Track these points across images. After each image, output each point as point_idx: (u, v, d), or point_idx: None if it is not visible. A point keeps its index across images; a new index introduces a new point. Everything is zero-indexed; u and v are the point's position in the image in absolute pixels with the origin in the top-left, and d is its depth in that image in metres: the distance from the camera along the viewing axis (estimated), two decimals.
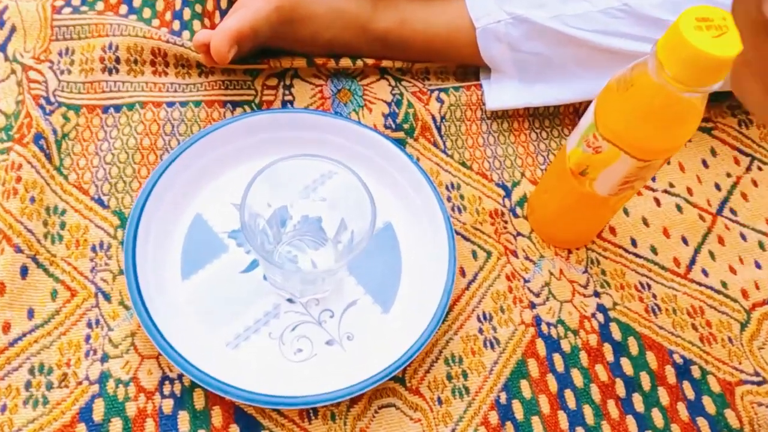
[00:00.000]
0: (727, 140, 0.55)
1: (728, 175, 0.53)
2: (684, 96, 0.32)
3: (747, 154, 0.55)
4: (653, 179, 0.52)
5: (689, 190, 0.52)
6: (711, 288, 0.47)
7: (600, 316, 0.45)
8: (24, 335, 0.38)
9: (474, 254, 0.46)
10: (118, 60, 0.48)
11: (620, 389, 0.42)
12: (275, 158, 0.40)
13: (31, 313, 0.39)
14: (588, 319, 0.45)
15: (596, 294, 0.46)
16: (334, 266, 0.41)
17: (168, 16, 0.53)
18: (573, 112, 0.55)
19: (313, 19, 0.48)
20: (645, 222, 0.50)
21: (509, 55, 0.50)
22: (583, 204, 0.42)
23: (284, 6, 0.46)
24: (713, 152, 0.55)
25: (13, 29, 0.48)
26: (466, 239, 0.47)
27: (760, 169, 0.54)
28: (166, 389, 0.38)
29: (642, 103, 0.33)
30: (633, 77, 0.33)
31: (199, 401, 0.38)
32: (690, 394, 0.43)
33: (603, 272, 0.47)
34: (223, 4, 0.54)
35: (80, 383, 0.37)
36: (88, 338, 0.39)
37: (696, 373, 0.43)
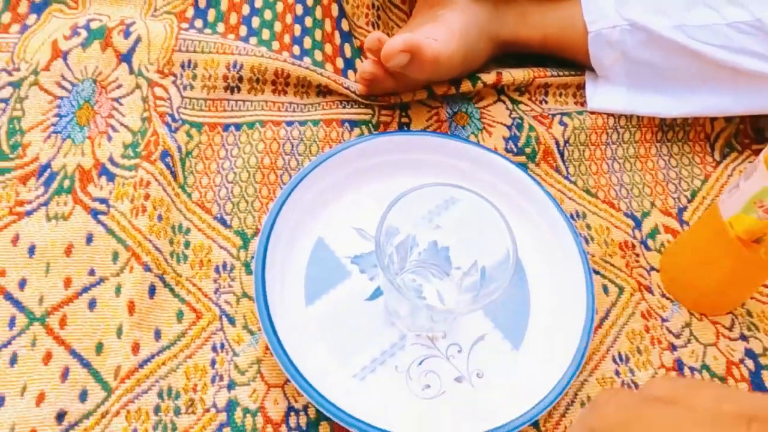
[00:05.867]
0: None
1: None
2: None
3: None
4: None
5: None
6: None
7: (749, 363, 0.41)
8: (152, 356, 0.37)
9: (605, 289, 0.43)
10: (240, 79, 0.48)
11: None
12: (392, 181, 0.38)
13: (158, 334, 0.38)
14: (736, 366, 0.41)
15: (743, 337, 0.42)
16: (469, 308, 0.37)
17: (287, 39, 0.52)
18: (704, 139, 0.52)
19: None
20: None
21: (621, 63, 0.48)
22: (754, 272, 0.38)
23: None
24: None
25: (138, 40, 0.47)
26: (595, 272, 0.44)
27: None
28: (292, 421, 0.36)
29: None
30: None
31: None
32: None
33: (749, 313, 0.43)
34: (345, 26, 0.53)
35: (207, 410, 0.36)
36: (213, 363, 0.38)
37: None
